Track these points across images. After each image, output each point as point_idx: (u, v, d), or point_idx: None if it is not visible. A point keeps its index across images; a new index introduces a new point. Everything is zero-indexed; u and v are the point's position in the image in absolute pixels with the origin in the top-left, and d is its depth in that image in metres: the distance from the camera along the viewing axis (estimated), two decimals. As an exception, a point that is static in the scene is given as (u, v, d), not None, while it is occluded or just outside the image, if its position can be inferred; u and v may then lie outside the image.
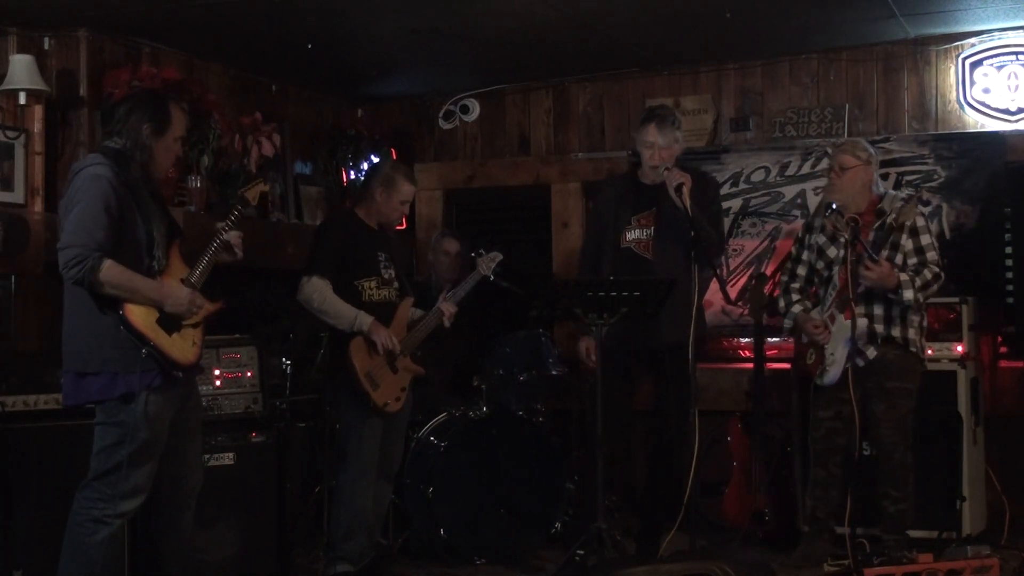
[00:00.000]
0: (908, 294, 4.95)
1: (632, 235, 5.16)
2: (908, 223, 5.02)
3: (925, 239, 5.08)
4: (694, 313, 4.75)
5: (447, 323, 5.19)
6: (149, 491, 4.03)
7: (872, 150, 5.25)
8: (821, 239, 5.18)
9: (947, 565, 4.43)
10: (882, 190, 5.25)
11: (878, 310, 5.06)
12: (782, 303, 5.34)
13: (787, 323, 5.35)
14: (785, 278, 5.40)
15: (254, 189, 4.40)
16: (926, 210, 5.29)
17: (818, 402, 5.20)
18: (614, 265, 5.12)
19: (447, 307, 5.15)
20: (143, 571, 4.46)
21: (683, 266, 4.98)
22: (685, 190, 4.95)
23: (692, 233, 4.85)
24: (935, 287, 5.04)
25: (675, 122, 5.14)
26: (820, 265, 5.20)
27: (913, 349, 5.09)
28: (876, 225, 5.08)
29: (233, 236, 4.17)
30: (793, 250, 5.41)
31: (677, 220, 4.99)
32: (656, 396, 5.23)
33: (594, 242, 5.33)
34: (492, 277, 5.36)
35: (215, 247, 4.12)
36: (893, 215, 5.00)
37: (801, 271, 5.32)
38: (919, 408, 5.15)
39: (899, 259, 5.06)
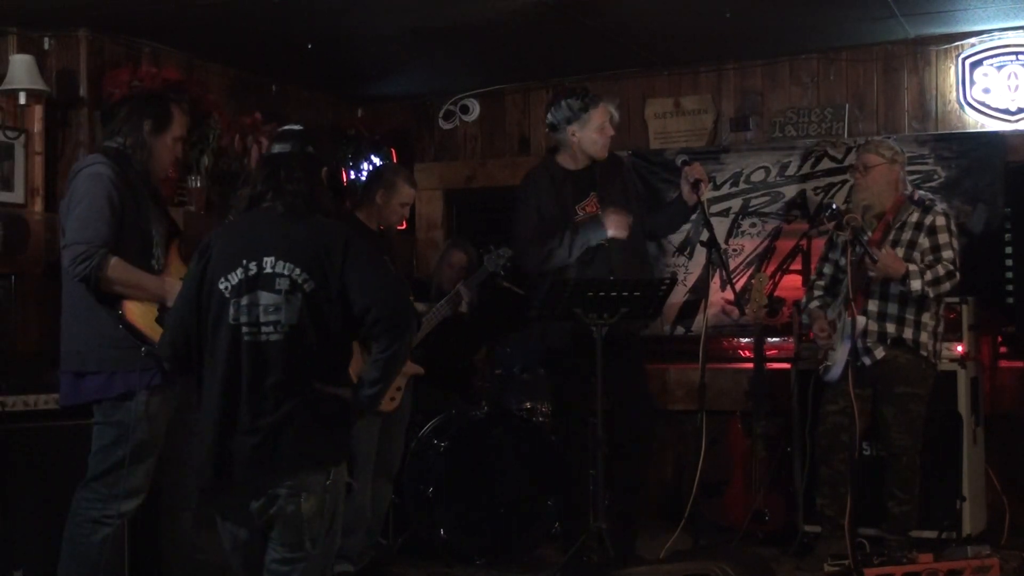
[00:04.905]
0: (916, 284, 4.96)
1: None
2: (928, 222, 5.08)
3: (943, 238, 5.09)
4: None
5: (465, 307, 5.18)
6: (148, 491, 4.03)
7: (898, 148, 5.28)
8: (845, 236, 5.17)
9: (947, 565, 4.44)
10: (910, 190, 5.28)
11: (892, 310, 5.07)
12: (805, 299, 5.41)
13: (804, 319, 5.39)
14: (813, 276, 5.48)
15: None
16: (952, 213, 5.33)
17: (827, 395, 5.22)
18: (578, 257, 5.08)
19: (465, 291, 5.16)
20: (143, 571, 4.46)
21: (634, 250, 5.03)
22: (703, 186, 4.98)
23: (708, 233, 4.92)
24: (948, 285, 5.04)
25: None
26: (843, 262, 5.21)
27: (924, 353, 5.09)
28: (898, 225, 5.11)
29: None
30: (823, 248, 5.48)
31: (618, 202, 5.03)
32: (606, 392, 5.05)
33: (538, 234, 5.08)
34: (501, 273, 5.36)
35: None
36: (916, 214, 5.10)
37: (827, 269, 5.37)
38: (921, 409, 5.17)
39: (916, 256, 5.08)
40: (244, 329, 3.12)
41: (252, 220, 3.26)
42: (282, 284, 3.12)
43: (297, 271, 3.13)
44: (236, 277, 3.15)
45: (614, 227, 4.93)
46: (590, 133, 5.04)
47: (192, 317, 3.21)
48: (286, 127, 3.43)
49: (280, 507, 3.11)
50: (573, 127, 5.04)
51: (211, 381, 3.17)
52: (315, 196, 3.30)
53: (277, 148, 3.35)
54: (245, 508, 3.15)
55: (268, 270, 3.13)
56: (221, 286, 3.16)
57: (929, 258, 5.08)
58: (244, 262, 3.15)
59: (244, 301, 3.13)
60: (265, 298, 3.12)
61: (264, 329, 3.12)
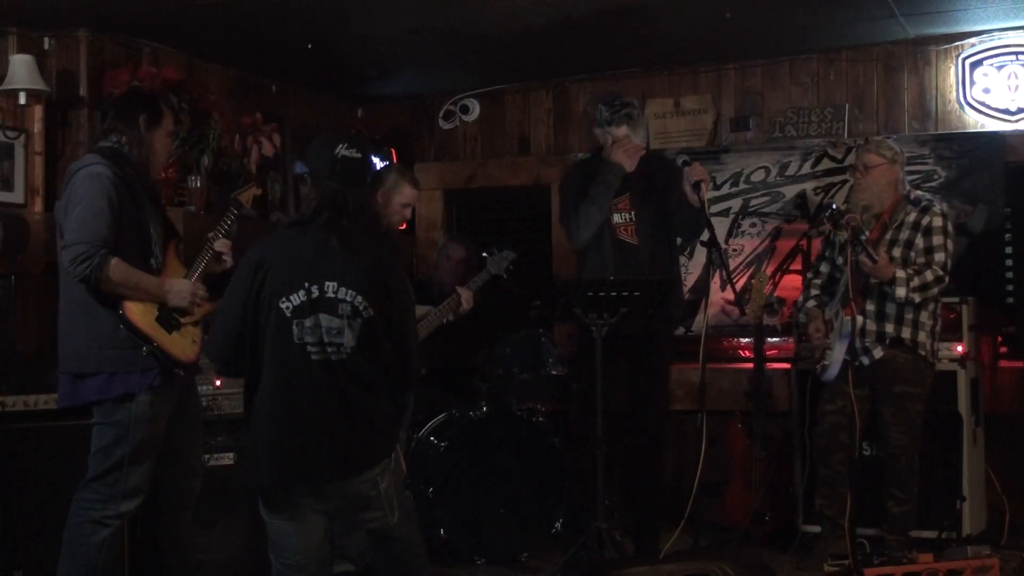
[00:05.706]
0: (900, 291, 4.97)
1: (615, 220, 5.15)
2: (925, 222, 5.08)
3: (937, 240, 5.09)
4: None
5: (466, 305, 5.21)
6: (148, 491, 4.04)
7: (898, 148, 5.28)
8: (844, 236, 5.18)
9: (947, 565, 4.44)
10: (908, 189, 5.28)
11: (890, 309, 5.07)
12: (801, 298, 5.40)
13: (800, 317, 5.39)
14: (809, 275, 5.48)
15: (247, 192, 4.43)
16: (952, 213, 5.35)
17: (825, 395, 5.22)
18: (604, 250, 5.11)
19: (465, 291, 5.19)
20: (143, 571, 4.46)
21: (665, 251, 5.05)
22: (704, 187, 4.99)
23: (708, 234, 4.96)
24: (935, 289, 5.05)
25: (640, 115, 5.25)
26: (840, 261, 5.21)
27: (923, 352, 5.09)
28: (896, 224, 5.11)
29: (221, 245, 4.19)
30: (820, 246, 5.48)
31: (652, 205, 5.08)
32: (628, 389, 5.18)
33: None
34: (504, 275, 5.38)
35: (207, 258, 4.14)
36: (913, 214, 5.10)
37: (824, 268, 5.37)
38: (921, 409, 5.17)
39: (911, 256, 5.08)
40: (311, 349, 3.31)
41: (311, 242, 3.37)
42: (344, 309, 3.31)
43: (359, 299, 3.32)
44: (298, 299, 3.31)
45: (621, 156, 5.05)
46: (610, 143, 5.14)
47: (244, 327, 3.34)
48: (346, 153, 3.42)
49: (361, 495, 3.40)
50: (599, 131, 5.20)
51: (274, 391, 3.32)
52: (373, 227, 3.56)
53: (340, 172, 3.40)
54: (307, 505, 3.38)
55: (330, 295, 3.31)
56: (282, 305, 3.30)
57: (921, 260, 5.08)
58: (307, 285, 3.31)
59: (308, 323, 3.30)
60: (327, 320, 3.30)
61: (329, 349, 3.31)
